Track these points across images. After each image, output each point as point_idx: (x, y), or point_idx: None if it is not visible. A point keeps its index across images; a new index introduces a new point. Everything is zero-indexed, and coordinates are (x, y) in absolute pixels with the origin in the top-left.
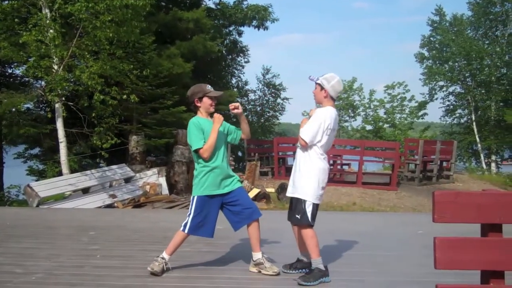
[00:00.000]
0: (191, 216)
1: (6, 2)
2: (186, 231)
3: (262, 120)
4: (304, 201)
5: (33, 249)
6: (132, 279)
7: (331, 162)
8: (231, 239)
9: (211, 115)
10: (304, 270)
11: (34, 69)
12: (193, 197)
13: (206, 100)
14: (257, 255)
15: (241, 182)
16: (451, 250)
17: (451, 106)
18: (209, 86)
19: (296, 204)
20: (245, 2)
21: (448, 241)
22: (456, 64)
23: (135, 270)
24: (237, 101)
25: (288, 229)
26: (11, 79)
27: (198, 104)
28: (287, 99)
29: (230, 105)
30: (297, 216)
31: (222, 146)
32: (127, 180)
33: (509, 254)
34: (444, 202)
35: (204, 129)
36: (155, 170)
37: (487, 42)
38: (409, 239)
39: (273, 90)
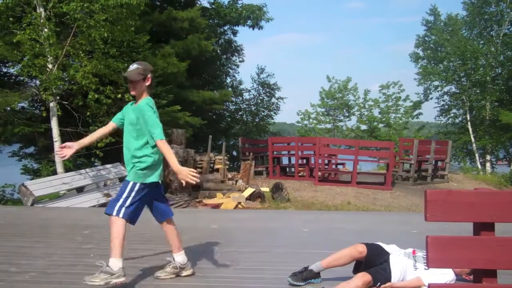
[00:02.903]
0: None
1: (0, 1)
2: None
3: (257, 120)
4: None
5: (27, 247)
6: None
7: (326, 161)
8: (226, 237)
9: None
10: (313, 280)
11: (29, 68)
12: (135, 183)
13: (152, 78)
14: (174, 257)
15: (236, 181)
16: (444, 249)
17: (446, 106)
18: None
19: None
20: (239, 2)
21: (441, 240)
22: (451, 64)
23: (127, 269)
24: (232, 101)
25: (282, 229)
26: (6, 78)
27: (149, 82)
28: (281, 98)
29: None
30: None
31: None
32: (122, 179)
33: (501, 253)
34: (436, 200)
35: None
36: None
37: (482, 42)
38: (403, 239)
39: (267, 90)
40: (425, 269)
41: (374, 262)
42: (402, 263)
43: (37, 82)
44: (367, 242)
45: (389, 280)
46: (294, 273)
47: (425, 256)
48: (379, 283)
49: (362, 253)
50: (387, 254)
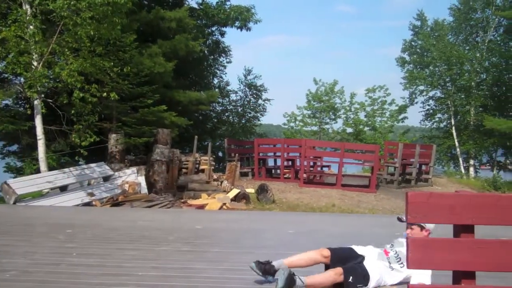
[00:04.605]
0: None
1: None
2: None
3: (243, 121)
4: None
5: (8, 246)
6: (108, 277)
7: (312, 163)
8: (210, 238)
9: None
10: (270, 277)
11: (13, 65)
12: None
13: None
14: None
15: (221, 182)
16: (424, 250)
17: (431, 111)
18: None
19: None
20: (228, 3)
21: (421, 241)
22: (437, 69)
23: (111, 268)
24: (219, 102)
25: (267, 230)
26: None
27: None
28: (268, 100)
29: None
30: None
31: None
32: (106, 178)
33: (480, 255)
34: (417, 202)
35: None
36: (134, 169)
37: (467, 47)
38: (387, 241)
39: (254, 91)
40: (401, 267)
41: (344, 264)
42: (379, 265)
43: (22, 79)
44: (341, 245)
45: (368, 277)
46: (258, 261)
47: (396, 255)
48: (351, 277)
49: (326, 258)
50: (360, 257)
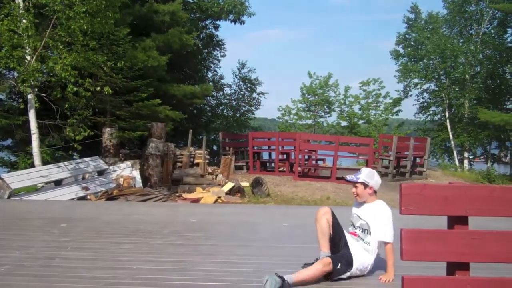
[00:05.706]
0: None
1: None
2: None
3: (238, 115)
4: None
5: (3, 240)
6: (102, 271)
7: (306, 157)
8: (205, 231)
9: None
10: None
11: (6, 59)
12: None
13: None
14: None
15: (216, 176)
16: (417, 242)
17: (426, 103)
18: None
19: None
20: None
21: (414, 233)
22: (431, 61)
23: (105, 262)
24: (213, 95)
25: (261, 223)
26: None
27: None
28: (262, 93)
29: None
30: None
31: None
32: (100, 172)
33: (474, 246)
34: (411, 194)
35: None
36: (129, 163)
37: (461, 40)
38: None
39: (248, 85)
40: (369, 234)
41: (336, 230)
42: (357, 248)
43: (15, 73)
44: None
45: (351, 262)
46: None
47: (361, 229)
48: (339, 264)
49: (329, 213)
50: (345, 239)
